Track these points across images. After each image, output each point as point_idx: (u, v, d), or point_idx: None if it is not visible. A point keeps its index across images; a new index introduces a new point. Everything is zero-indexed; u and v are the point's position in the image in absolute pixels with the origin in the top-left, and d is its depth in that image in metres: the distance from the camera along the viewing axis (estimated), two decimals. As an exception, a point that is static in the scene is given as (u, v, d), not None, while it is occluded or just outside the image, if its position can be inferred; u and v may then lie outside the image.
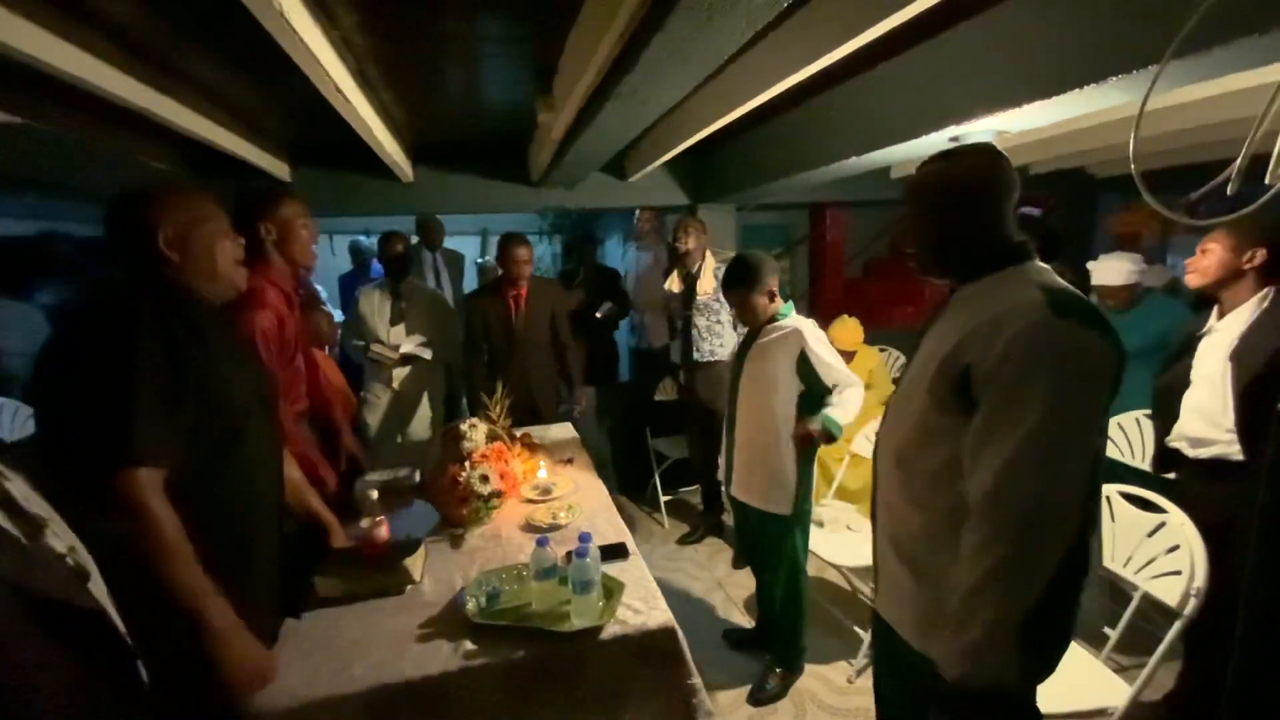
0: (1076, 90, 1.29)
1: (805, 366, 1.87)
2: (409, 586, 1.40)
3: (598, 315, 3.64)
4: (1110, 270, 2.67)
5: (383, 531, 1.45)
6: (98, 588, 0.65)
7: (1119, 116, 2.18)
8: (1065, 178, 3.59)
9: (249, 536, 1.20)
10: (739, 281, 1.93)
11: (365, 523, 1.45)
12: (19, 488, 0.65)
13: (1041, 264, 1.00)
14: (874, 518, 1.19)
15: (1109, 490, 1.74)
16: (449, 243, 4.00)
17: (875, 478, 1.18)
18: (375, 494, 1.51)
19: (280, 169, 3.01)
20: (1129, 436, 2.58)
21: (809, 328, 1.90)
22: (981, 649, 0.88)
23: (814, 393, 1.91)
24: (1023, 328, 0.87)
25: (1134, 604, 1.63)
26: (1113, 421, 2.60)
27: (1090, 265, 2.76)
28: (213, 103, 2.15)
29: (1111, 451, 2.58)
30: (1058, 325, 0.86)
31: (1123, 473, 2.47)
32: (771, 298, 1.94)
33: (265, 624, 1.23)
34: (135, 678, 0.63)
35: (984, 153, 1.02)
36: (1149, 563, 1.56)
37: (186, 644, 1.02)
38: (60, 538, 0.64)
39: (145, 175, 2.64)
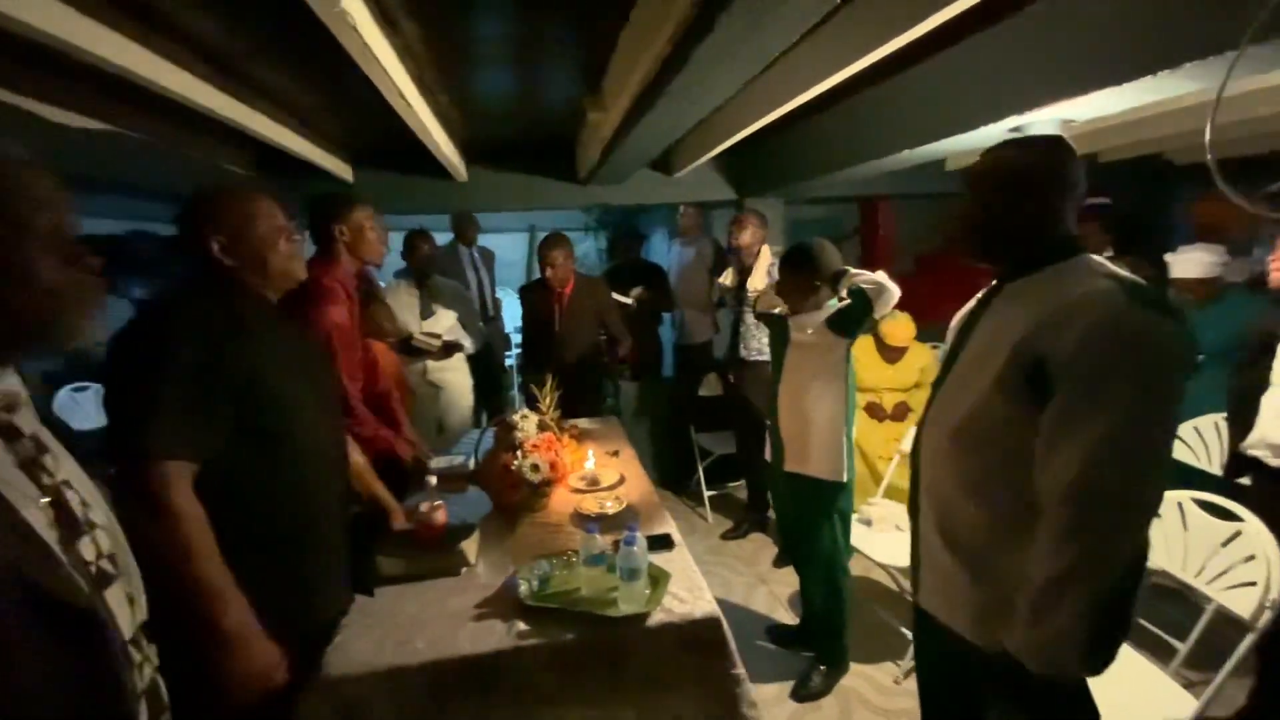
0: (1149, 77, 1.23)
1: (836, 317, 1.91)
2: (464, 568, 1.47)
3: (627, 300, 3.65)
4: (1190, 263, 2.53)
5: (440, 516, 1.52)
6: (114, 594, 0.65)
7: (1202, 100, 2.06)
8: (1140, 165, 3.39)
9: (311, 522, 1.23)
10: (800, 266, 1.97)
11: (424, 507, 1.52)
12: (89, 492, 0.68)
13: (1098, 257, 0.99)
14: (914, 509, 1.18)
15: (1181, 496, 1.66)
16: (484, 241, 4.05)
17: (918, 467, 1.17)
18: (434, 480, 1.59)
19: (343, 170, 3.16)
20: (1205, 440, 2.44)
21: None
22: (1062, 640, 0.89)
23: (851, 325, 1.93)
24: (1100, 316, 0.87)
25: (1206, 616, 1.56)
26: (1188, 425, 2.46)
27: (1168, 257, 2.62)
28: (283, 109, 2.29)
29: (1185, 455, 2.44)
30: (1137, 314, 0.86)
31: (1197, 478, 2.34)
32: (817, 289, 1.95)
33: (333, 602, 1.31)
34: (117, 689, 0.62)
35: (1053, 145, 1.01)
36: (1222, 573, 1.49)
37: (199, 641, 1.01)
38: (100, 543, 0.66)
39: (220, 176, 2.82)
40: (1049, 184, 0.99)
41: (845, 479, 1.96)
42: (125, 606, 0.67)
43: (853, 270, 1.92)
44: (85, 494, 0.67)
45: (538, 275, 3.03)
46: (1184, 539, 1.62)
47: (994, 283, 1.11)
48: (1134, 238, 3.11)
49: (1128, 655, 1.59)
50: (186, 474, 1.03)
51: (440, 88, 2.11)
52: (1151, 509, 0.89)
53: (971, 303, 1.19)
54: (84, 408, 3.31)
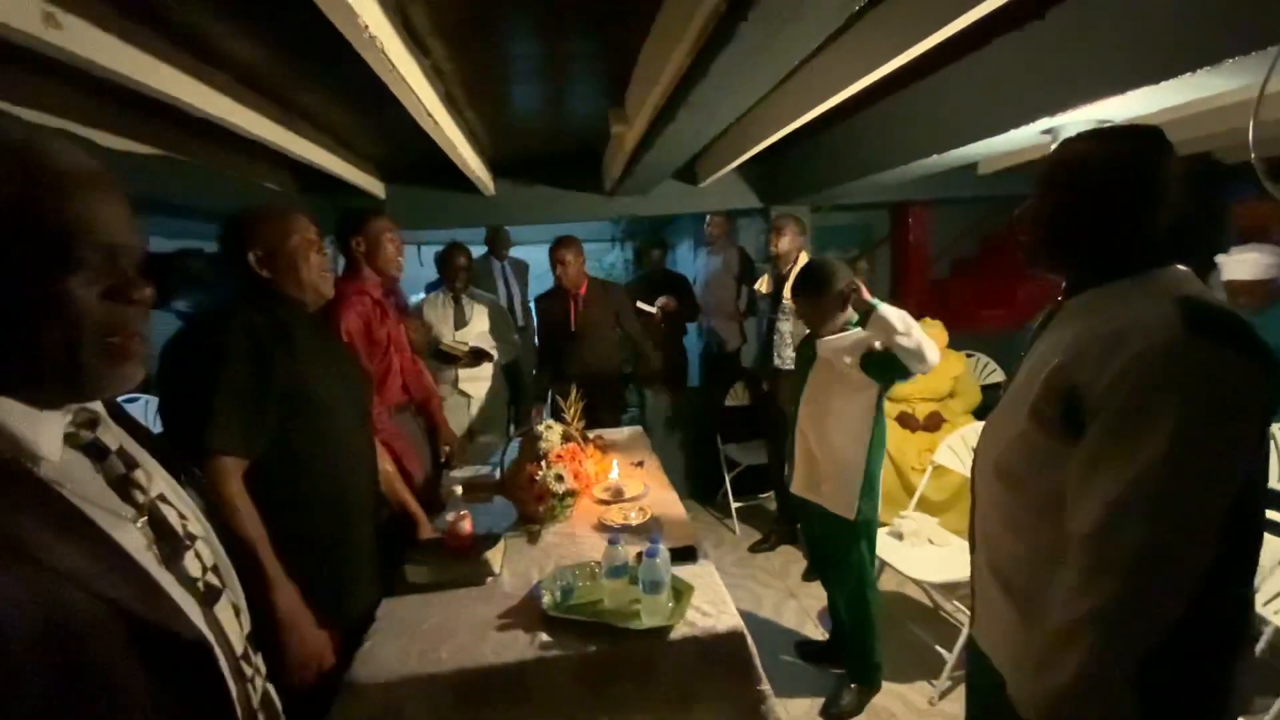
0: (1189, 74, 1.19)
1: (872, 359, 1.81)
2: (489, 578, 1.49)
3: (652, 309, 3.65)
4: (1244, 264, 2.41)
5: (466, 525, 1.54)
6: (223, 608, 0.61)
7: (1245, 98, 1.97)
8: (1188, 165, 3.26)
9: (345, 523, 1.31)
10: (812, 289, 1.91)
11: (450, 516, 1.55)
12: (184, 504, 0.64)
13: (1185, 269, 0.87)
14: (972, 537, 1.11)
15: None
16: (519, 252, 4.19)
17: (974, 495, 1.10)
18: (460, 489, 1.61)
19: (375, 187, 3.26)
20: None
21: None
22: (1068, 698, 0.80)
23: (887, 378, 1.85)
24: (1145, 347, 0.76)
25: (1265, 639, 1.47)
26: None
27: (1220, 259, 2.50)
28: (320, 130, 2.38)
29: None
30: (1190, 344, 0.75)
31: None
32: (843, 305, 1.89)
33: (364, 601, 1.35)
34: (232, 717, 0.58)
35: (1145, 138, 0.87)
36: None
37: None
38: (203, 556, 0.62)
39: (261, 195, 2.94)
40: (1126, 184, 0.85)
41: (852, 517, 1.87)
42: (233, 619, 0.63)
43: (874, 303, 1.80)
44: (181, 506, 0.63)
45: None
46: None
47: (1060, 297, 0.97)
48: (1181, 241, 2.97)
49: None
50: (238, 469, 1.13)
51: (467, 105, 2.16)
52: (1192, 570, 0.75)
53: (1040, 316, 1.04)
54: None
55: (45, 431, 0.51)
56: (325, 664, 1.18)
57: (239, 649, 0.62)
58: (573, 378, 2.27)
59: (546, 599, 1.34)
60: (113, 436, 0.58)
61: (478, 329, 3.09)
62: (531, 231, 5.43)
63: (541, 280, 5.87)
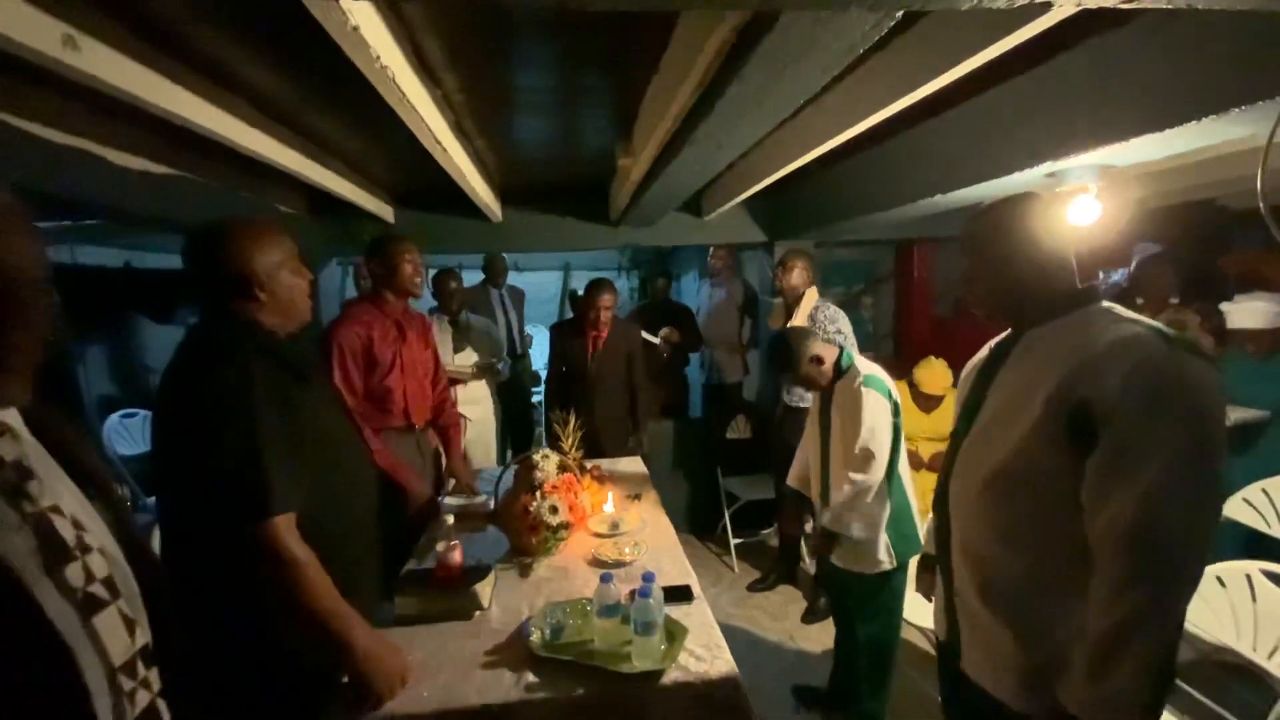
0: (1194, 123, 1.19)
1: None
2: (477, 612, 1.44)
3: (655, 340, 3.64)
4: (1251, 312, 2.40)
5: (456, 555, 1.50)
6: (107, 619, 0.65)
7: (1252, 146, 1.97)
8: (1192, 210, 3.26)
9: (353, 557, 1.26)
10: (784, 366, 1.94)
11: (440, 545, 1.51)
12: (88, 517, 0.68)
13: (1116, 306, 1.01)
14: (945, 568, 1.14)
15: (1250, 567, 1.52)
16: (520, 279, 4.23)
17: (947, 522, 1.13)
18: (451, 518, 1.58)
19: (385, 211, 3.29)
20: (1277, 504, 2.25)
21: (872, 399, 1.81)
22: (1126, 696, 0.85)
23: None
24: (1142, 360, 0.87)
25: (1283, 703, 1.41)
26: (1256, 487, 2.28)
27: (1225, 307, 2.49)
28: (332, 154, 2.41)
29: (1254, 520, 2.26)
30: (1177, 357, 0.87)
31: (1269, 545, 2.15)
32: (820, 361, 1.90)
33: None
34: (66, 674, 0.62)
35: (1033, 200, 1.06)
36: (1300, 654, 1.35)
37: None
38: (93, 568, 0.66)
39: (271, 216, 2.97)
40: (1041, 238, 1.03)
41: (876, 571, 1.85)
42: (120, 631, 0.66)
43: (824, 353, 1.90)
44: (83, 518, 0.67)
45: (569, 314, 3.06)
46: (1253, 613, 1.48)
47: (1008, 332, 1.13)
48: (1203, 286, 2.94)
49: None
50: (293, 522, 1.09)
51: (477, 135, 2.19)
52: (1205, 556, 0.86)
53: (983, 352, 1.21)
54: (132, 434, 3.46)
55: None
56: (407, 679, 1.17)
57: (118, 660, 0.65)
58: (583, 413, 2.25)
59: (535, 637, 1.29)
60: (12, 449, 0.63)
61: (475, 353, 3.12)
62: (530, 259, 5.49)
63: (544, 307, 5.90)
